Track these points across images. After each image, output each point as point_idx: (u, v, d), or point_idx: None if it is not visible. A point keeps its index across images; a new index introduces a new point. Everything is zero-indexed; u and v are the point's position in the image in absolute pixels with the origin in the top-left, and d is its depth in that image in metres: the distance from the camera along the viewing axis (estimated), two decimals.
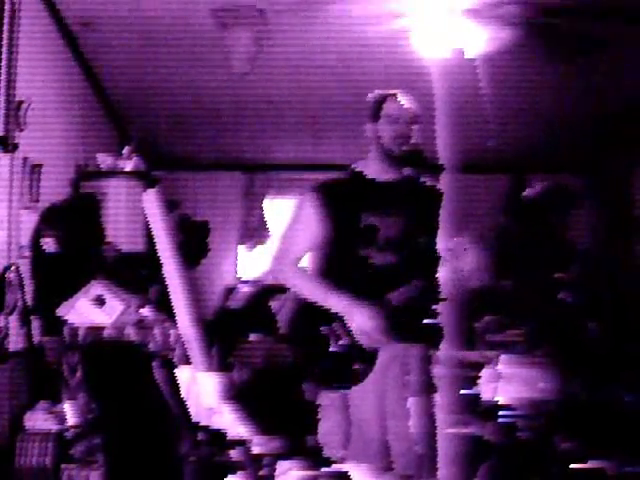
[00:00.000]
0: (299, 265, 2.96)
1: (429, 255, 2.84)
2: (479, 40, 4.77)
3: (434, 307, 2.82)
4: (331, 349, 2.74)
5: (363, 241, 2.82)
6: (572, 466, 3.01)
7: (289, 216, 2.99)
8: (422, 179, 2.98)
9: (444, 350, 2.92)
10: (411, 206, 2.90)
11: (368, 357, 2.75)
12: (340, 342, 2.75)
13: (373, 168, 2.95)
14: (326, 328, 2.76)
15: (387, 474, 2.74)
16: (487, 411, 3.30)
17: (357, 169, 2.98)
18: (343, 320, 2.77)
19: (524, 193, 3.98)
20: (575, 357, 3.46)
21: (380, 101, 2.96)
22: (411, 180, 2.96)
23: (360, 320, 2.74)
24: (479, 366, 3.49)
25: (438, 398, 2.83)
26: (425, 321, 2.79)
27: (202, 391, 3.71)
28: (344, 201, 2.87)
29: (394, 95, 2.95)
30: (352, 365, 2.76)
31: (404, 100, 2.93)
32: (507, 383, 3.37)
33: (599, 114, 5.73)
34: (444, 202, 2.94)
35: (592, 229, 6.34)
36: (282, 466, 3.25)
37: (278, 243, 2.99)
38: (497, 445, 3.17)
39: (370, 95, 3.00)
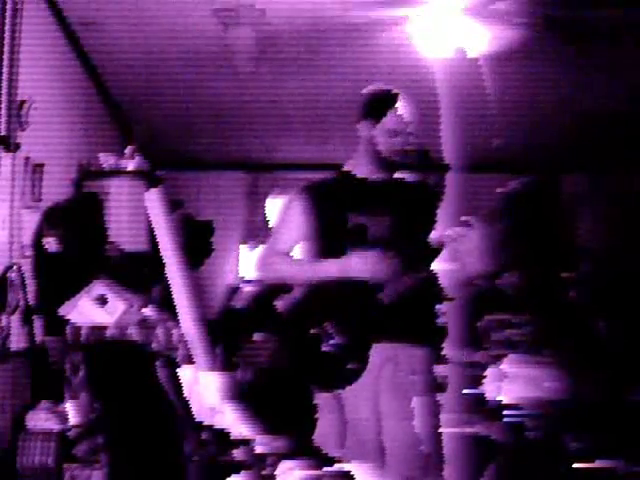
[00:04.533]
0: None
1: (418, 254, 2.83)
2: (483, 40, 4.76)
3: (435, 306, 2.82)
4: (323, 349, 2.73)
5: (351, 240, 2.80)
6: (581, 465, 2.99)
7: (276, 216, 2.98)
8: (413, 178, 2.95)
9: (448, 349, 2.91)
10: (400, 205, 2.87)
11: (361, 356, 2.74)
12: (332, 342, 2.73)
13: (363, 168, 2.92)
14: (318, 328, 2.74)
15: (390, 474, 2.72)
16: (493, 411, 3.28)
17: (346, 169, 2.95)
18: (338, 318, 2.76)
19: (499, 191, 3.93)
20: (584, 356, 3.44)
21: (380, 105, 2.90)
22: (401, 179, 2.93)
23: (363, 263, 2.72)
24: (484, 365, 3.48)
25: (442, 398, 2.82)
26: (419, 319, 2.78)
27: (204, 391, 3.70)
28: (331, 201, 2.85)
29: (394, 103, 2.89)
30: (344, 365, 2.74)
31: (403, 109, 2.87)
32: (511, 382, 3.36)
33: (604, 112, 5.71)
34: (448, 201, 2.93)
35: (600, 228, 6.32)
36: (285, 465, 3.23)
37: (266, 243, 2.98)
38: (504, 445, 3.15)
39: (366, 91, 2.95)
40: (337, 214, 2.80)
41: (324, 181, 2.94)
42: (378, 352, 2.73)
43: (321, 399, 2.83)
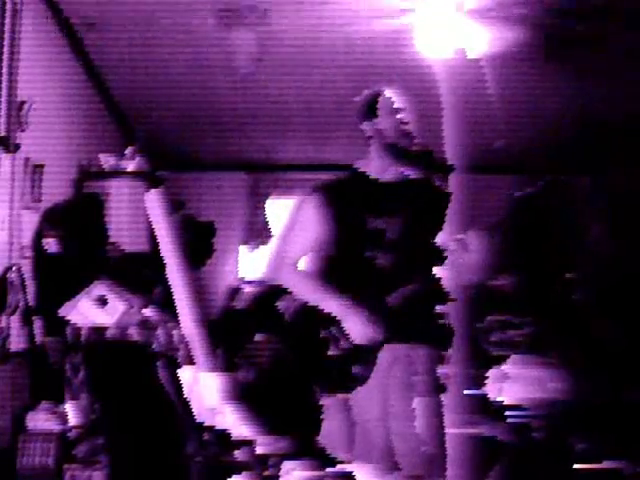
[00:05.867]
0: (297, 267, 2.90)
1: (432, 254, 2.82)
2: (485, 40, 4.76)
3: (439, 307, 2.80)
4: (330, 352, 2.71)
5: (369, 243, 2.77)
6: (585, 466, 2.98)
7: (287, 217, 2.93)
8: (425, 178, 2.94)
9: (452, 350, 2.90)
10: (413, 205, 2.86)
11: (368, 359, 2.72)
12: (340, 345, 2.72)
13: (374, 166, 2.90)
14: (325, 331, 2.73)
15: (392, 474, 2.71)
16: (497, 411, 3.27)
17: (358, 168, 2.93)
18: (341, 323, 2.74)
19: (519, 193, 3.94)
20: (587, 356, 3.43)
21: (374, 97, 2.91)
22: (412, 179, 2.92)
23: (354, 328, 2.70)
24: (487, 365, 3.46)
25: (446, 398, 2.81)
26: (429, 321, 2.77)
27: (205, 391, 3.69)
28: (345, 201, 2.83)
29: (385, 93, 2.91)
30: (352, 368, 2.73)
31: (394, 94, 2.89)
32: (514, 383, 3.35)
33: (607, 112, 5.70)
34: (452, 201, 2.92)
35: (602, 229, 6.30)
36: (287, 466, 3.22)
37: (276, 245, 2.94)
38: (508, 445, 3.14)
39: (359, 97, 2.96)
40: (352, 214, 2.77)
41: (337, 181, 2.91)
42: (387, 353, 2.72)
43: (329, 400, 2.82)
